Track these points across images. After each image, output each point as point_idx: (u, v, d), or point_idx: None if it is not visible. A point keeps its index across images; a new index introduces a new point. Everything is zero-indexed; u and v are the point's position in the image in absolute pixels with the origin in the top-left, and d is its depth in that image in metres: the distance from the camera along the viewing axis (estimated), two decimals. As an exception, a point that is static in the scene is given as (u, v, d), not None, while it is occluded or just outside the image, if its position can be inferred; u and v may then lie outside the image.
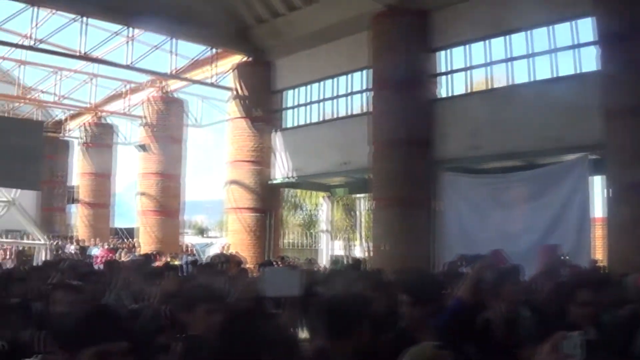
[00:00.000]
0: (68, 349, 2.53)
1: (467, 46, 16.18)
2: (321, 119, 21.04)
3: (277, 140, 21.74)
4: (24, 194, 17.79)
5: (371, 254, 18.89)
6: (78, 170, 32.40)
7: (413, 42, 16.07)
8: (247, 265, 15.16)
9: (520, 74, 15.18)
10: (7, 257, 20.29)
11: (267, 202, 21.67)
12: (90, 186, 30.80)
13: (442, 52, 16.68)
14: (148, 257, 16.39)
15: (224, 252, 19.04)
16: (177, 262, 18.71)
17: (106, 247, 24.66)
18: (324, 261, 22.61)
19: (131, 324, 2.80)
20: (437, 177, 15.87)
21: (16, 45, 21.75)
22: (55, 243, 22.40)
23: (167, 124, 26.05)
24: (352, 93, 19.79)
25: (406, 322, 4.25)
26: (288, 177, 21.44)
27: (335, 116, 20.63)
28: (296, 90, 21.68)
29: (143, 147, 25.87)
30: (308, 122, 21.31)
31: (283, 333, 3.21)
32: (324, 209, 24.00)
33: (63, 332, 2.75)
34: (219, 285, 7.00)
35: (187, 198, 27.59)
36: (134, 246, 25.08)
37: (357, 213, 24.21)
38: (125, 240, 28.35)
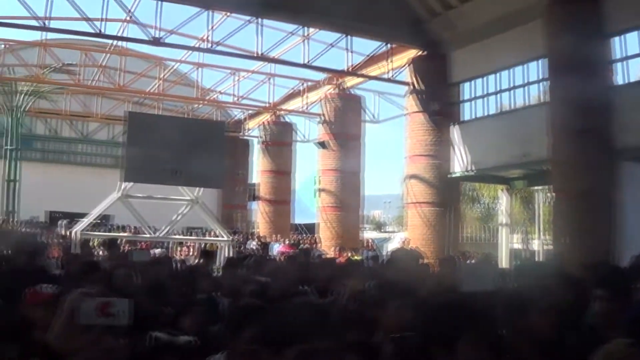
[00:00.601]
0: (270, 346, 2.64)
1: (641, 31, 16.30)
2: (498, 110, 21.78)
3: (455, 133, 22.65)
4: (206, 192, 19.21)
5: (549, 247, 19.11)
6: (258, 168, 34.97)
7: (587, 29, 16.25)
8: (427, 261, 15.87)
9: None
10: (191, 253, 21.68)
11: (447, 196, 22.49)
12: (270, 183, 33.13)
13: (616, 38, 17.01)
14: (306, 252, 17.59)
15: (404, 246, 20.14)
16: (357, 257, 19.89)
17: (287, 242, 26.30)
18: (502, 255, 23.19)
19: (320, 320, 2.76)
20: (617, 167, 16.05)
21: (193, 49, 24.28)
22: (236, 239, 23.99)
23: (345, 121, 27.53)
24: (528, 83, 20.41)
25: (596, 317, 4.31)
26: (467, 171, 22.28)
27: (512, 107, 21.34)
28: (472, 82, 22.54)
29: (322, 144, 27.64)
30: (485, 114, 22.12)
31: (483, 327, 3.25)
32: (502, 202, 24.40)
33: (265, 329, 2.85)
34: (404, 280, 6.71)
35: (365, 193, 28.73)
36: (315, 242, 26.74)
37: (535, 206, 24.26)
38: (305, 236, 29.89)
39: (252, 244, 25.98)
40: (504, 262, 21.97)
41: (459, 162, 22.43)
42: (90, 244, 18.10)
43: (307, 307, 3.17)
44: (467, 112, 22.91)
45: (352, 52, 23.57)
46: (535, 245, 24.33)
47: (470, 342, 2.99)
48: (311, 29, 23.12)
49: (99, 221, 22.12)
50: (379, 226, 45.47)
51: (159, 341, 4.19)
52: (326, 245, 25.59)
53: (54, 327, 2.94)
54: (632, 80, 17.05)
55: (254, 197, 35.72)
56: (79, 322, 2.78)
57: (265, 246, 25.47)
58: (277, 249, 24.68)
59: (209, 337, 4.72)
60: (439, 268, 11.68)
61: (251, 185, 37.49)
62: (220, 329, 4.70)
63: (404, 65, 24.00)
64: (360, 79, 26.73)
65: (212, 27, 21.76)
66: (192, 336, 4.42)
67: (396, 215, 43.90)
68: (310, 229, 31.45)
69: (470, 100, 22.71)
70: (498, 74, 21.37)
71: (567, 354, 3.49)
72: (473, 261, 18.58)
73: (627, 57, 16.97)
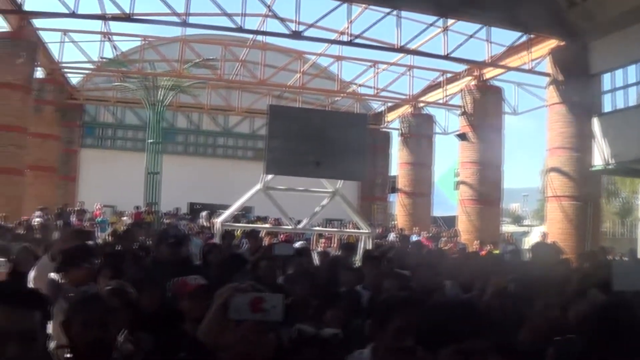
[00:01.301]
0: (420, 343, 2.68)
1: None
2: (639, 102, 22.22)
3: (596, 125, 23.21)
4: (345, 184, 19.44)
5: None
6: (398, 161, 36.24)
7: None
8: (567, 256, 16.26)
9: None
10: (331, 245, 21.92)
11: (587, 190, 23.05)
12: (409, 176, 34.37)
13: None
14: (418, 244, 18.14)
15: (544, 241, 21.09)
16: (497, 251, 20.74)
17: (425, 235, 27.23)
18: (640, 251, 23.25)
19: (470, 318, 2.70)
20: None
21: (333, 41, 25.93)
22: (377, 232, 24.69)
23: (485, 113, 28.28)
24: None
25: None
26: (607, 164, 22.78)
27: None
28: (613, 73, 23.05)
29: (463, 136, 28.59)
30: (626, 105, 22.66)
31: None
32: None
33: (414, 325, 2.88)
34: (548, 277, 7.02)
35: (484, 185, 28.78)
36: (455, 234, 27.65)
37: None
38: (444, 228, 30.82)
39: (391, 236, 26.64)
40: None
41: (600, 155, 22.91)
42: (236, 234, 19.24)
43: (456, 304, 3.26)
44: (608, 103, 23.39)
45: (491, 42, 24.76)
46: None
47: None
48: (450, 20, 24.13)
49: (240, 212, 23.30)
50: (516, 219, 45.61)
51: (303, 333, 4.28)
52: (465, 238, 26.47)
53: (204, 321, 3.04)
54: None
55: (394, 189, 37.04)
56: (230, 318, 2.86)
57: (404, 238, 25.62)
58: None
59: (352, 330, 4.88)
60: (579, 264, 12.33)
61: (391, 177, 38.99)
62: (362, 322, 4.63)
63: (544, 56, 24.74)
64: (500, 70, 27.59)
65: (352, 20, 23.31)
66: (336, 329, 4.52)
67: (534, 209, 43.95)
68: (449, 221, 32.39)
69: (610, 91, 23.19)
70: (638, 64, 21.85)
71: None
72: (610, 257, 18.84)
73: None
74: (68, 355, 3.53)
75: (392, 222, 34.86)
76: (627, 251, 21.35)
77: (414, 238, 25.97)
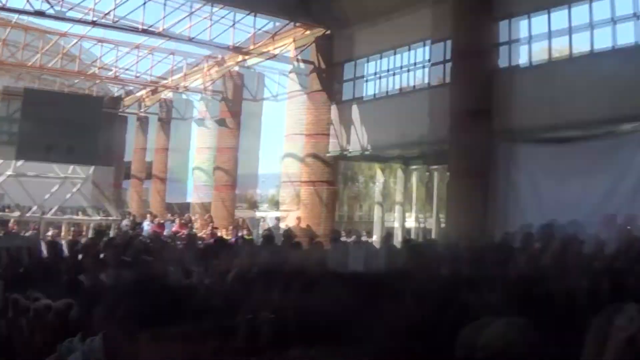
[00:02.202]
0: (127, 329, 2.87)
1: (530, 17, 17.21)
2: (380, 92, 22.48)
3: (335, 112, 23.34)
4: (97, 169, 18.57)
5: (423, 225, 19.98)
6: (134, 146, 35.20)
7: (480, 12, 17.20)
8: (300, 239, 16.24)
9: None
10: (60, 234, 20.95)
11: (324, 174, 23.20)
12: (144, 161, 33.82)
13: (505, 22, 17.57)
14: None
15: (278, 225, 22.06)
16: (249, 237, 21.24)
17: (158, 222, 26.44)
18: (377, 234, 24.25)
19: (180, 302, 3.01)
20: (504, 147, 16.92)
21: (72, 20, 23.87)
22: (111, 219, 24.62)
23: (226, 98, 27.93)
24: (414, 66, 21.06)
25: None
26: (346, 150, 23.05)
27: (393, 89, 21.97)
28: (356, 62, 23.09)
29: (201, 122, 28.48)
30: (364, 95, 22.89)
31: None
32: (379, 181, 25.33)
33: (141, 312, 3.01)
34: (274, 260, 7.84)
35: (243, 171, 29.28)
36: (190, 221, 27.07)
37: (409, 184, 25.17)
38: (183, 215, 30.17)
39: (124, 223, 26.13)
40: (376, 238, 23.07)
41: (340, 141, 23.07)
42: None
43: (175, 289, 3.52)
44: (349, 92, 23.36)
45: (254, 30, 24.34)
46: (412, 223, 25.24)
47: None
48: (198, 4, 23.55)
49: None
50: (254, 205, 46.07)
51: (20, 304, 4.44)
52: (203, 224, 26.09)
53: None
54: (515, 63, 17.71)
55: (129, 176, 35.96)
56: None
57: (136, 225, 25.68)
58: (148, 228, 24.93)
59: (72, 316, 4.89)
60: (310, 247, 13.00)
61: (127, 163, 37.38)
62: (85, 310, 4.70)
63: (290, 44, 24.61)
64: (247, 56, 26.82)
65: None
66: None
67: (273, 194, 44.67)
68: (186, 207, 31.73)
69: (352, 80, 23.25)
70: (381, 56, 22.06)
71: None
72: (353, 238, 19.45)
73: (513, 41, 17.57)
74: None
75: (127, 209, 33.76)
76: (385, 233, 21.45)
77: (146, 225, 25.61)
